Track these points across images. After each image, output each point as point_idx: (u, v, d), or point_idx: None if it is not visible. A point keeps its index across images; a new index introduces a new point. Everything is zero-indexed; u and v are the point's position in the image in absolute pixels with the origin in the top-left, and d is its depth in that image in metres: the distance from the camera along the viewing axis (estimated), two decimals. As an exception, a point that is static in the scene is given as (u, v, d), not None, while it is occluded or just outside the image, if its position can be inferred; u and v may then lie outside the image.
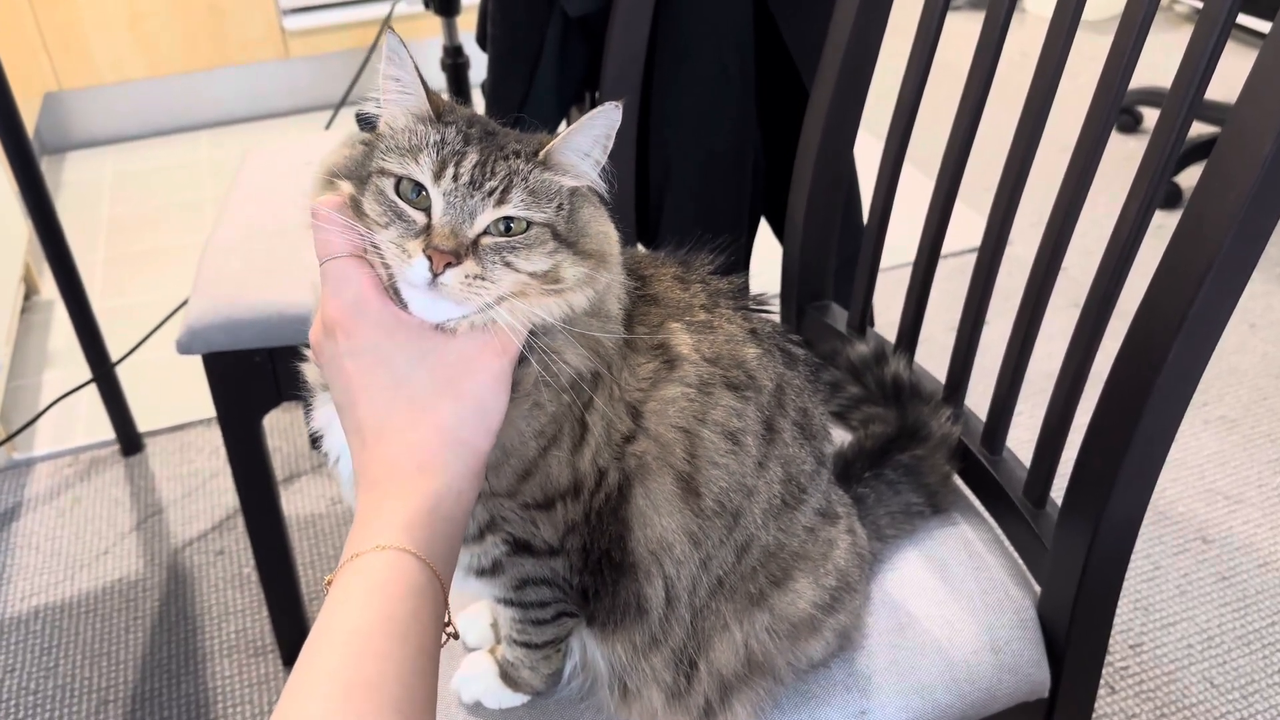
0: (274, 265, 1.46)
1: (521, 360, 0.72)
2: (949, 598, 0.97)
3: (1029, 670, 0.94)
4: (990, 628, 0.95)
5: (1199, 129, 2.76)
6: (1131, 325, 0.82)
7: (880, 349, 1.16)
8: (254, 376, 1.43)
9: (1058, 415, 0.95)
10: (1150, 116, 3.17)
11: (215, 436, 2.18)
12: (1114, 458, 0.84)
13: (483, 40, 1.57)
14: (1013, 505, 1.00)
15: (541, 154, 0.71)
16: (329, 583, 0.65)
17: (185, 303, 2.07)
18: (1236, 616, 1.75)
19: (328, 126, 2.11)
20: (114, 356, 2.07)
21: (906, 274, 1.15)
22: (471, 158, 0.70)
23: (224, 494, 2.05)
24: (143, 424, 2.18)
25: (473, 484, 0.70)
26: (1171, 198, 2.76)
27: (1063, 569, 0.92)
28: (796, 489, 0.83)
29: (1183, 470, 2.03)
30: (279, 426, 2.20)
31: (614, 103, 0.70)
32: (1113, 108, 0.89)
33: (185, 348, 1.38)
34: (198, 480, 2.09)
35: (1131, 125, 3.18)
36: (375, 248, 0.70)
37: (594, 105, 1.57)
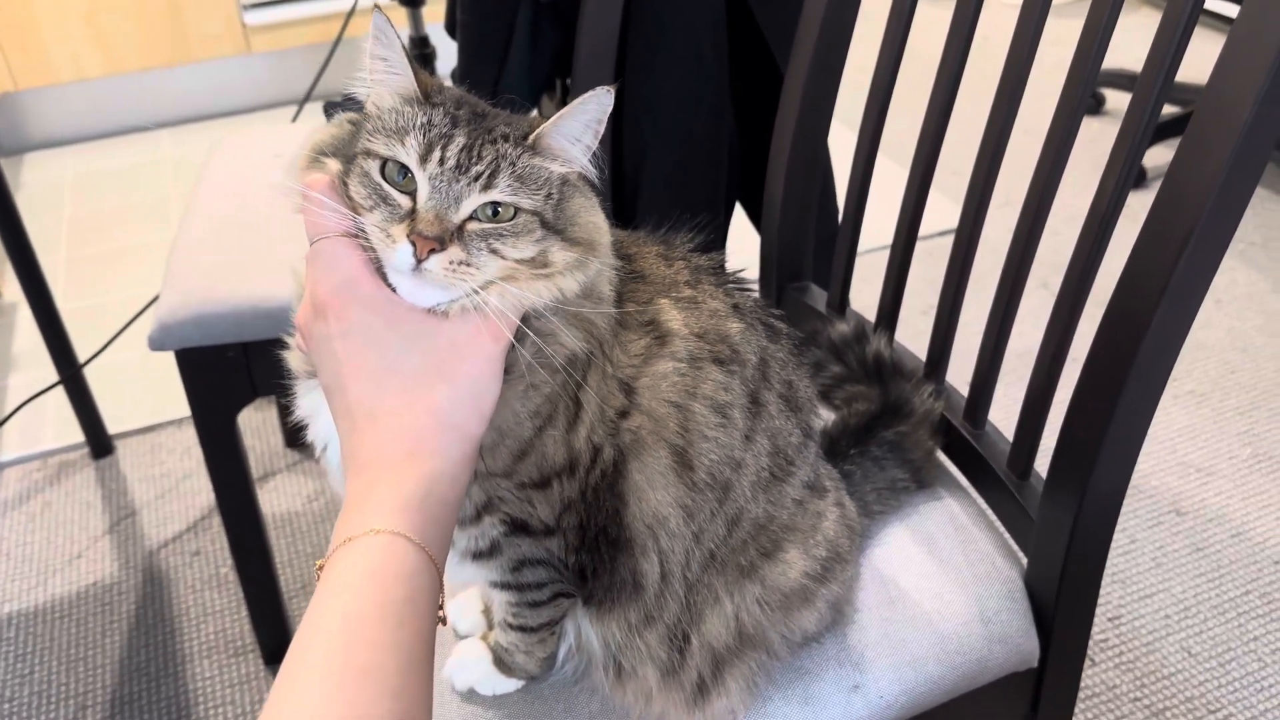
0: (246, 259, 1.45)
1: (515, 342, 0.72)
2: (937, 571, 0.97)
3: (1018, 640, 0.95)
4: (979, 599, 0.95)
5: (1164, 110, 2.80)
6: (1112, 297, 0.83)
7: (860, 328, 1.16)
8: (228, 372, 1.41)
9: (1039, 389, 0.95)
10: (1113, 98, 3.21)
11: (187, 437, 2.16)
12: (1097, 429, 0.84)
13: (452, 28, 1.56)
14: (997, 478, 1.01)
15: (531, 138, 0.71)
16: (320, 568, 0.65)
17: (153, 301, 2.04)
18: (1211, 586, 1.78)
19: (294, 119, 2.08)
20: (81, 358, 2.03)
21: (880, 258, 1.16)
22: (459, 141, 0.69)
23: (198, 495, 2.02)
24: (112, 426, 2.15)
25: (466, 468, 0.70)
26: (1138, 177, 2.79)
27: (1049, 539, 0.93)
28: (784, 461, 0.83)
29: (1154, 444, 2.06)
30: (252, 425, 2.18)
31: (606, 87, 0.69)
32: (1085, 91, 0.90)
33: (157, 344, 1.36)
34: (170, 481, 2.06)
35: (1095, 107, 3.21)
36: (360, 231, 0.70)
37: (565, 92, 1.57)
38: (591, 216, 0.74)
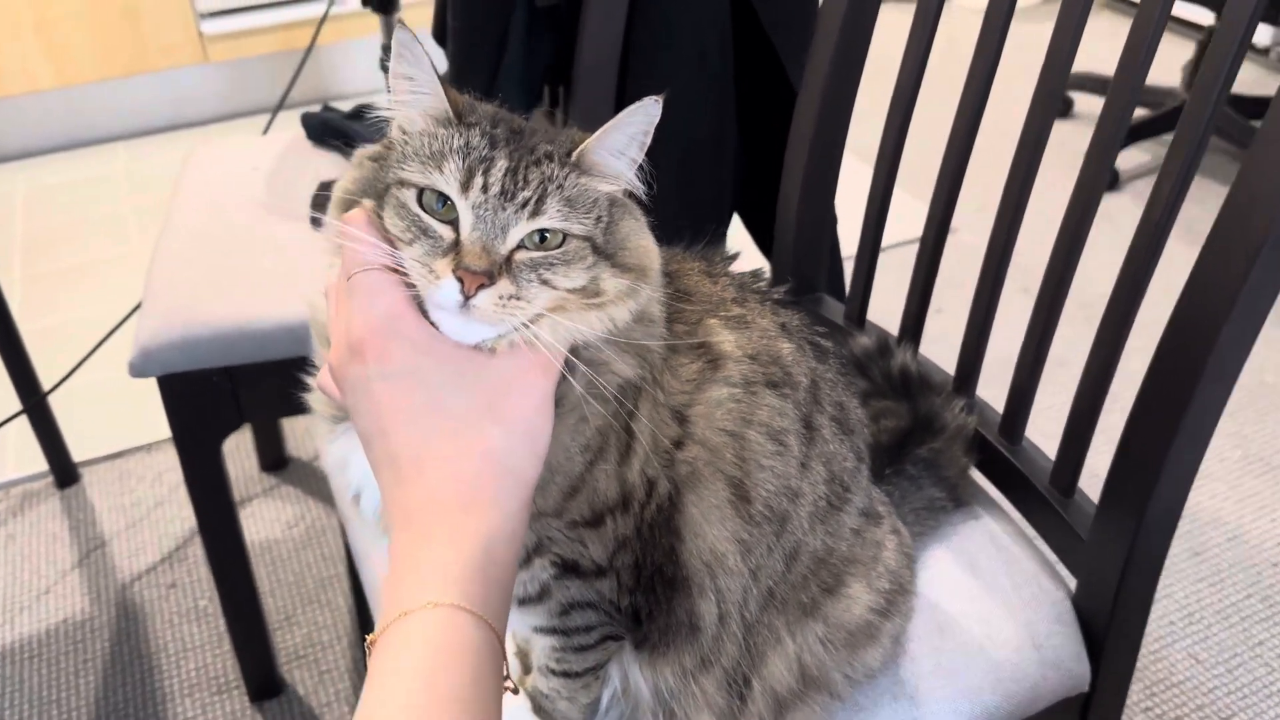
0: (228, 277, 1.38)
1: (565, 373, 0.67)
2: (983, 594, 0.94)
3: (1070, 665, 0.91)
4: (1029, 623, 0.92)
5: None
6: (1178, 306, 0.79)
7: (884, 341, 1.12)
8: (213, 398, 1.34)
9: (1086, 403, 0.92)
10: (1081, 101, 3.22)
11: (157, 462, 2.07)
12: (1160, 443, 0.81)
13: (440, 35, 1.50)
14: (1039, 496, 0.97)
15: (575, 155, 0.66)
16: (372, 641, 0.59)
17: (122, 322, 1.97)
18: (1213, 591, 1.77)
19: (265, 130, 2.01)
20: (42, 381, 1.94)
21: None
22: (501, 164, 0.64)
23: (171, 523, 1.94)
24: (78, 453, 2.05)
25: (523, 519, 0.65)
26: (1111, 180, 2.80)
27: (1102, 560, 0.89)
28: (840, 488, 0.79)
29: (1147, 448, 2.05)
30: (226, 448, 2.09)
31: (653, 98, 0.65)
32: (1055, 94, 0.91)
33: (139, 370, 1.29)
34: (141, 510, 1.97)
35: (1064, 110, 3.22)
36: (399, 267, 0.65)
37: (555, 101, 1.52)
38: (642, 240, 0.70)
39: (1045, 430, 1.04)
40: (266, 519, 1.94)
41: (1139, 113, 2.90)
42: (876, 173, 1.12)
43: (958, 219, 1.08)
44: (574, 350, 0.67)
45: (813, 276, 1.24)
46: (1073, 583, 0.96)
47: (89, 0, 2.95)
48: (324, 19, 2.16)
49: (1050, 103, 0.92)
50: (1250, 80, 3.45)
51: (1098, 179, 0.89)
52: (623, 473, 0.71)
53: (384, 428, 0.64)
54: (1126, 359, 0.88)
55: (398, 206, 0.65)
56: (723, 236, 1.57)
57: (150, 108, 3.26)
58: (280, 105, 2.09)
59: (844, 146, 1.18)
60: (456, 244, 0.63)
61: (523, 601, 0.74)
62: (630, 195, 0.70)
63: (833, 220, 1.55)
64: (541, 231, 0.64)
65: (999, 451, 1.02)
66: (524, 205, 0.63)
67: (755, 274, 0.83)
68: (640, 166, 0.68)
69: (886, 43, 1.26)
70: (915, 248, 1.10)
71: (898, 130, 1.08)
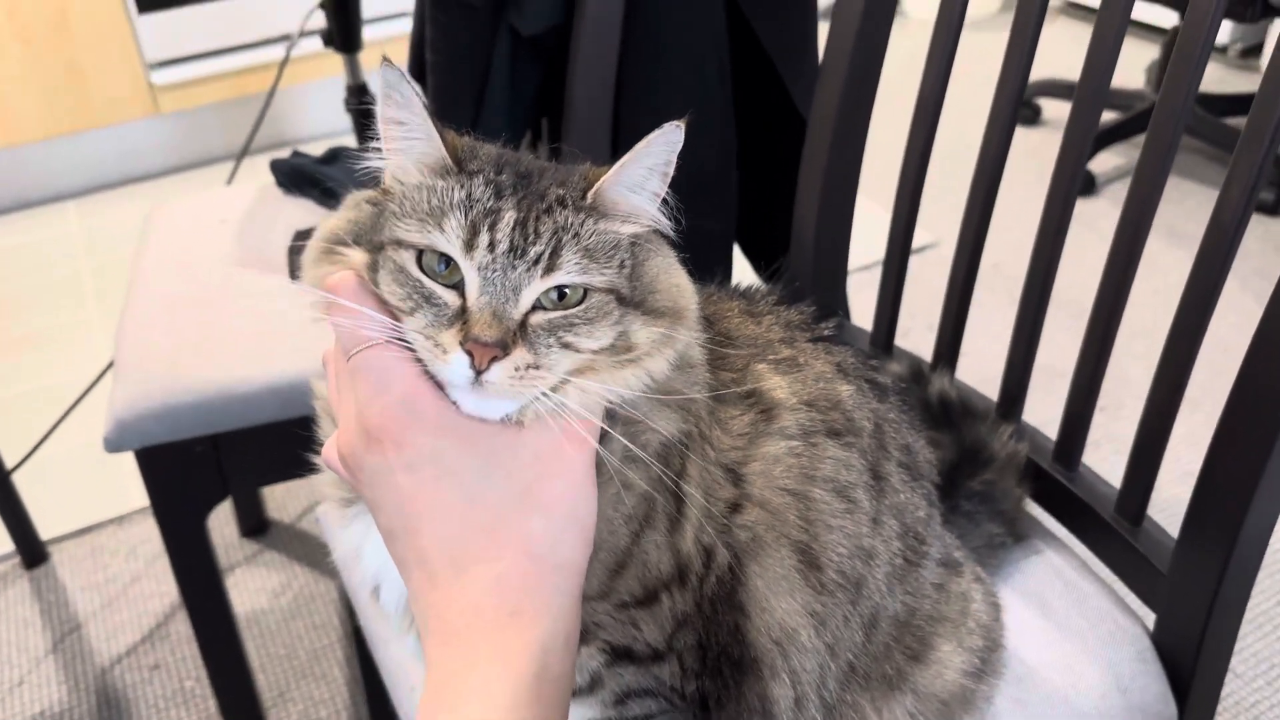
0: (206, 339, 1.29)
1: (601, 437, 0.60)
2: (1059, 637, 0.87)
3: (1158, 707, 0.85)
4: (1111, 665, 0.85)
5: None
6: (1261, 324, 0.74)
7: (917, 367, 1.07)
8: (196, 469, 1.25)
9: (1154, 424, 0.86)
10: (1050, 107, 3.21)
11: (130, 535, 1.96)
12: (1251, 467, 0.75)
13: (416, 71, 1.43)
14: (1104, 526, 0.91)
15: (590, 197, 0.59)
16: None
17: (89, 390, 1.86)
18: (1241, 601, 1.71)
19: (229, 180, 1.92)
20: (4, 458, 1.83)
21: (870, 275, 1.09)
22: (508, 216, 0.57)
23: (149, 599, 1.83)
24: (45, 530, 1.94)
25: (576, 617, 0.57)
26: (1087, 185, 2.78)
27: (1187, 593, 0.83)
28: (915, 541, 0.72)
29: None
30: (202, 515, 1.99)
31: (674, 123, 0.58)
32: (1016, 101, 0.93)
33: (115, 444, 1.19)
34: (117, 587, 1.86)
35: (1032, 118, 3.21)
36: (401, 340, 0.57)
37: (537, 136, 1.45)
38: (674, 278, 0.63)
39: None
40: (251, 588, 1.84)
41: (1110, 116, 2.88)
42: (900, 193, 1.06)
43: (935, 233, 1.05)
44: (608, 411, 0.59)
45: (832, 301, 1.17)
46: (1147, 616, 0.90)
47: (31, 59, 2.84)
48: (284, 63, 2.08)
49: (1010, 110, 0.93)
50: (1214, 79, 3.46)
51: (1071, 184, 0.89)
52: (675, 542, 0.63)
53: (412, 525, 0.57)
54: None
55: (395, 270, 0.57)
56: (728, 269, 1.51)
57: (101, 163, 3.14)
58: (243, 153, 2.01)
59: (860, 169, 1.12)
60: (463, 311, 0.56)
61: (573, 693, 0.66)
62: (657, 233, 0.63)
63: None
64: (559, 289, 0.57)
65: (1055, 480, 0.96)
66: (537, 261, 0.56)
67: (800, 310, 0.76)
68: (664, 199, 0.61)
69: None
70: (894, 268, 1.06)
71: (920, 151, 1.03)
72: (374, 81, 0.60)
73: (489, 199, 0.57)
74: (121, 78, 2.97)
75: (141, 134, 3.15)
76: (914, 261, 1.18)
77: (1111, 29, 0.83)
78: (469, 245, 0.56)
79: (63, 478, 2.05)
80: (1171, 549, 0.85)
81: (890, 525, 0.70)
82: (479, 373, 0.54)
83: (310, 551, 1.90)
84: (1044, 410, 0.97)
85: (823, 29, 1.18)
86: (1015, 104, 0.94)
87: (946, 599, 0.73)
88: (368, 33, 2.00)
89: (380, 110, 0.58)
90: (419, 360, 0.57)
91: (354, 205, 0.64)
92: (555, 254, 0.56)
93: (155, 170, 3.21)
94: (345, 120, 2.15)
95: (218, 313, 1.33)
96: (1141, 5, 0.91)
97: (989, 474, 0.95)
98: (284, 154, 1.65)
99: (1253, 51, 3.51)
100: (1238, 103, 2.95)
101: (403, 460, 0.56)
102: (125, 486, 2.03)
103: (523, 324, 0.56)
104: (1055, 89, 3.11)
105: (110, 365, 1.35)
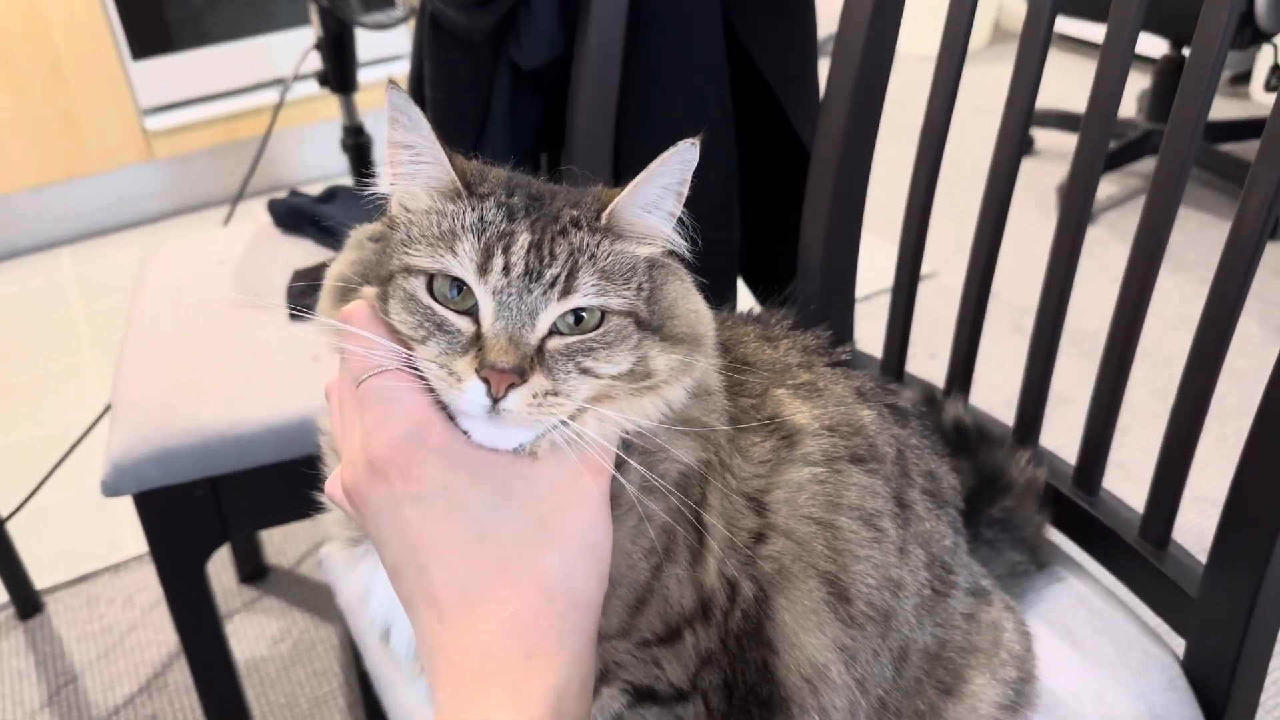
0: (204, 380, 1.27)
1: (618, 467, 0.58)
2: (1087, 667, 0.85)
3: (1192, 737, 0.82)
4: (1142, 695, 0.83)
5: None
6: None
7: (929, 393, 1.05)
8: (195, 513, 1.22)
9: (1176, 448, 0.84)
10: (1042, 136, 3.22)
11: (126, 584, 1.93)
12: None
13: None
14: (1129, 551, 0.89)
15: (604, 218, 0.57)
16: None
17: (84, 437, 1.84)
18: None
19: (226, 222, 1.91)
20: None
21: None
22: (522, 238, 0.55)
23: (147, 648, 1.79)
24: (39, 579, 1.90)
25: (592, 656, 0.55)
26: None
27: (1219, 617, 0.81)
28: (942, 571, 0.70)
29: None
30: (200, 562, 1.95)
31: (689, 141, 0.57)
32: (1021, 133, 0.94)
33: (113, 488, 1.17)
34: (113, 637, 1.82)
35: (1027, 147, 3.22)
36: (413, 369, 0.55)
37: (548, 167, 1.44)
38: (691, 304, 0.61)
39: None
40: (250, 636, 1.80)
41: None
42: (908, 218, 1.05)
43: (933, 264, 1.05)
44: (624, 441, 0.58)
45: (841, 330, 1.16)
46: (1175, 641, 0.87)
47: (25, 106, 2.84)
48: (279, 106, 2.08)
49: (1015, 142, 0.94)
50: (1201, 107, 3.47)
51: (1081, 215, 0.89)
52: (697, 576, 0.61)
53: (420, 562, 0.54)
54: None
55: (405, 298, 0.56)
56: (733, 301, 1.50)
57: (95, 210, 3.14)
58: (238, 197, 2.00)
59: (865, 196, 1.11)
60: (478, 338, 0.54)
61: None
62: (671, 254, 0.61)
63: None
64: (576, 312, 0.55)
65: (1076, 505, 0.94)
66: (553, 284, 0.55)
67: (817, 335, 0.74)
68: (680, 220, 0.59)
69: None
70: (903, 295, 1.06)
71: (927, 177, 1.02)
72: (370, 122, 0.59)
73: (502, 221, 0.55)
74: (115, 124, 2.97)
75: (136, 180, 3.15)
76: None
77: (1116, 61, 0.83)
78: (483, 269, 0.54)
79: (58, 526, 2.02)
80: (1199, 573, 0.83)
81: (916, 555, 0.68)
82: (495, 401, 0.52)
83: (310, 597, 1.87)
84: (1052, 436, 0.97)
85: (822, 65, 1.18)
86: (1020, 136, 0.94)
87: (977, 629, 0.71)
88: (363, 75, 2.01)
89: (388, 134, 0.57)
90: (431, 390, 0.55)
91: (356, 245, 0.62)
92: (572, 276, 0.55)
93: (150, 216, 3.21)
94: (341, 164, 2.15)
95: (216, 354, 1.31)
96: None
97: (1008, 500, 0.93)
98: (282, 194, 1.64)
99: (1242, 79, 3.54)
100: (1230, 129, 2.97)
101: (410, 493, 0.54)
102: (121, 533, 2.00)
103: (539, 350, 0.54)
104: (1048, 119, 3.12)
105: (106, 410, 1.33)
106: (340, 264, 0.61)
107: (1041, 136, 3.23)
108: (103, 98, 2.92)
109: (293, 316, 1.35)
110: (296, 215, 1.56)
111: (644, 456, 0.57)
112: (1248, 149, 2.91)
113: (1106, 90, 0.85)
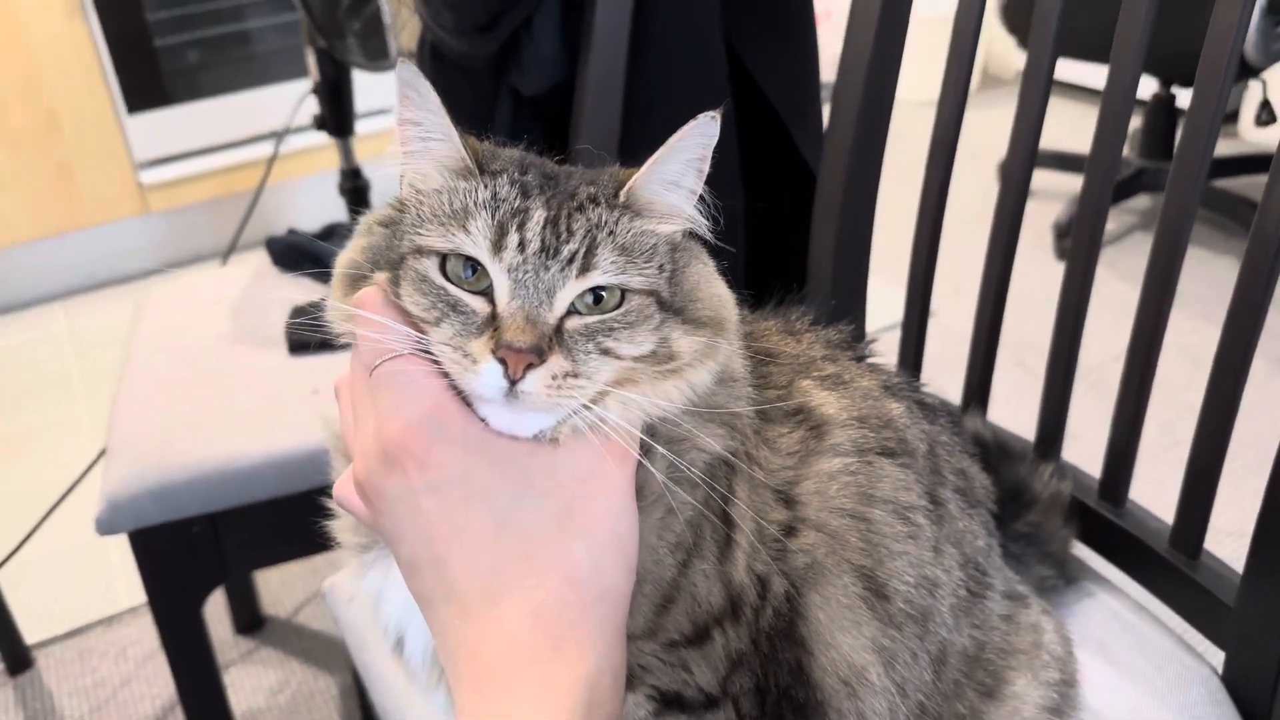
0: (203, 415, 1.24)
1: (643, 455, 0.55)
2: (1125, 683, 0.82)
3: (1235, 753, 0.79)
4: (1183, 710, 0.80)
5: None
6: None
7: (948, 410, 1.02)
8: (193, 551, 1.19)
9: (1206, 455, 0.82)
10: (1036, 177, 3.23)
11: (119, 636, 1.88)
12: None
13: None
14: (1161, 562, 0.86)
15: (623, 195, 0.56)
16: None
17: (75, 485, 1.80)
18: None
19: (223, 262, 1.90)
20: (-11, 558, 1.76)
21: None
22: (538, 215, 0.53)
23: (140, 702, 1.74)
24: (30, 635, 1.85)
25: (622, 647, 0.53)
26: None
27: (1259, 627, 0.78)
28: (977, 572, 0.67)
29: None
30: (195, 613, 1.91)
31: (709, 114, 0.55)
32: (1026, 172, 0.97)
33: (108, 526, 1.13)
34: (106, 691, 1.77)
35: (1019, 188, 3.24)
36: (426, 353, 0.53)
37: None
38: (715, 287, 0.59)
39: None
40: (247, 688, 1.75)
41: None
42: (915, 255, 1.04)
43: (932, 302, 1.09)
44: (648, 428, 0.55)
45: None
46: (1212, 653, 0.85)
47: (20, 160, 2.84)
48: (274, 157, 2.07)
49: (1020, 182, 0.97)
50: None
51: (1092, 244, 0.91)
52: (726, 571, 0.59)
53: (438, 554, 0.52)
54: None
55: (417, 280, 0.54)
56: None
57: (90, 264, 3.12)
58: (232, 247, 1.99)
59: (874, 214, 1.10)
60: (494, 318, 0.52)
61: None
62: (692, 235, 0.60)
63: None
64: (596, 291, 0.54)
65: (1104, 517, 0.91)
66: (571, 260, 0.53)
67: (841, 330, 0.73)
68: (702, 198, 0.58)
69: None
70: (897, 333, 1.07)
71: (934, 211, 1.03)
72: (368, 169, 0.58)
73: (516, 198, 0.54)
74: (110, 178, 2.97)
75: (131, 233, 3.14)
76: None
77: (1117, 106, 0.85)
78: (497, 246, 0.52)
79: (48, 579, 1.97)
80: (1236, 583, 0.80)
81: (951, 554, 0.65)
82: (513, 383, 0.50)
83: (309, 647, 1.82)
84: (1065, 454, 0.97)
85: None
86: (1025, 177, 0.98)
87: (1016, 630, 0.68)
88: (360, 126, 2.01)
89: (398, 111, 0.55)
90: (446, 376, 0.53)
91: (366, 231, 0.61)
92: (590, 252, 0.53)
93: (145, 269, 3.20)
94: (337, 214, 2.14)
95: (214, 390, 1.29)
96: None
97: (1033, 515, 0.91)
98: (279, 235, 1.63)
99: (1230, 117, 3.57)
100: (1222, 165, 2.99)
101: (426, 481, 0.52)
102: (114, 584, 1.95)
103: (558, 330, 0.52)
104: (1042, 159, 3.14)
105: (100, 456, 1.29)
106: (350, 251, 0.59)
107: (1035, 176, 3.24)
108: (98, 151, 2.92)
109: (292, 350, 1.33)
110: (295, 253, 1.55)
111: (669, 445, 0.55)
112: (1241, 184, 2.93)
113: (1109, 131, 0.87)
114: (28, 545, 1.81)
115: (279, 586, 1.94)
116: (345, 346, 0.59)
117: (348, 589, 0.96)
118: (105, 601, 1.94)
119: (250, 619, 1.87)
